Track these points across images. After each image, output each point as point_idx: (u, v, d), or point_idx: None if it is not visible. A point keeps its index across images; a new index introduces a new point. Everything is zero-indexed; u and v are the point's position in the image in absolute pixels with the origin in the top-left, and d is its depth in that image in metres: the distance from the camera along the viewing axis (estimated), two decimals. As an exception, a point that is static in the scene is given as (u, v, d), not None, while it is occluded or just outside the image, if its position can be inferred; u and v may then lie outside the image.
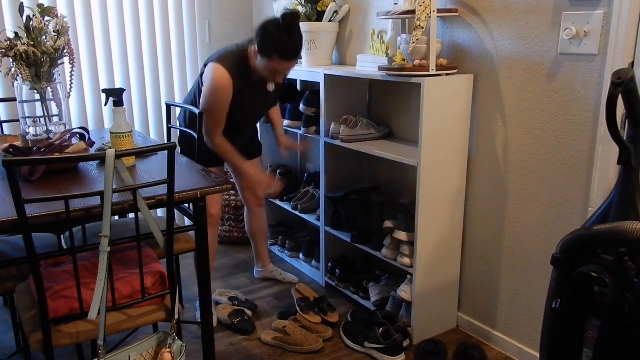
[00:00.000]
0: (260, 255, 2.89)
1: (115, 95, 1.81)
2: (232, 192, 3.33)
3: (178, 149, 2.53)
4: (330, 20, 2.77)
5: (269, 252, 3.12)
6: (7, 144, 1.79)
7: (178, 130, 2.54)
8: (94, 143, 1.97)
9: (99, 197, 1.40)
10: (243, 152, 2.50)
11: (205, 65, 2.28)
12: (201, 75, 2.32)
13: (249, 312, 2.53)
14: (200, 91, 2.30)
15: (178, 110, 3.37)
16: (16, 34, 1.86)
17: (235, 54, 2.25)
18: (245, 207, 2.82)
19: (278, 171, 3.19)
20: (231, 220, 3.41)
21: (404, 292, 2.33)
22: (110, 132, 1.82)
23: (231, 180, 2.83)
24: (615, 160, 1.65)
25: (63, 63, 1.99)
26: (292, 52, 2.16)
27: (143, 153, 1.83)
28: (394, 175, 2.69)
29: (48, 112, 1.95)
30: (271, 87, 2.40)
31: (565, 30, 1.83)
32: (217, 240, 2.63)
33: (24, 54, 1.82)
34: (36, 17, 1.86)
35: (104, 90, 1.83)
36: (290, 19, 2.11)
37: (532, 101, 2.01)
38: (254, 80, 2.30)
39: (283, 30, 2.11)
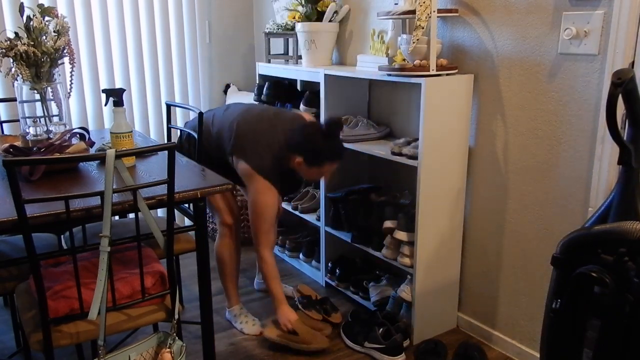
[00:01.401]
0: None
1: (115, 95, 1.81)
2: (239, 192, 3.32)
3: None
4: (330, 20, 2.77)
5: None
6: (7, 144, 1.79)
7: (180, 134, 2.53)
8: (94, 143, 1.97)
9: (99, 197, 1.40)
10: None
11: (234, 154, 2.21)
12: (228, 147, 2.26)
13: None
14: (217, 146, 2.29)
15: (178, 110, 3.37)
16: (16, 34, 1.86)
17: (274, 165, 2.21)
18: None
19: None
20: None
21: (404, 292, 2.33)
22: (110, 132, 1.82)
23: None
24: (615, 160, 1.65)
25: (63, 63, 1.99)
26: (340, 153, 2.20)
27: (143, 153, 1.83)
28: (394, 175, 2.69)
29: (48, 112, 1.95)
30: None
31: (565, 30, 1.83)
32: (239, 254, 2.49)
33: (24, 54, 1.82)
34: (36, 17, 1.85)
35: (104, 90, 1.83)
36: (335, 127, 2.14)
37: (532, 101, 2.01)
38: (293, 176, 2.30)
39: (329, 137, 2.14)
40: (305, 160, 2.16)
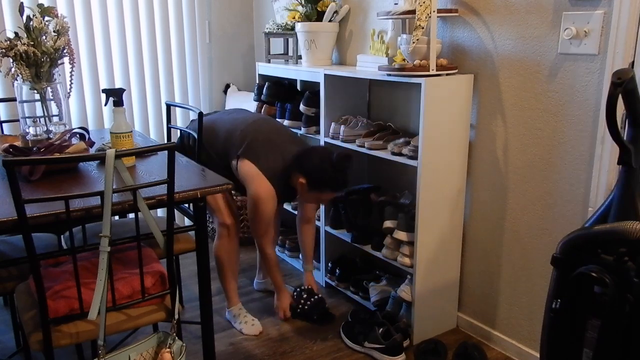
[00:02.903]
0: (263, 266, 2.83)
1: (115, 95, 1.81)
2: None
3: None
4: (330, 20, 2.77)
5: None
6: (7, 144, 1.79)
7: (180, 133, 2.53)
8: (94, 143, 1.97)
9: (99, 197, 1.40)
10: None
11: (244, 156, 2.25)
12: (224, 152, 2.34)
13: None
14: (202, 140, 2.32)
15: (178, 110, 3.37)
16: (16, 34, 1.86)
17: (282, 174, 2.27)
18: None
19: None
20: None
21: (404, 292, 2.33)
22: (110, 132, 1.82)
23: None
24: (615, 160, 1.65)
25: (63, 63, 1.99)
26: (343, 186, 2.28)
27: (143, 153, 1.83)
28: (394, 175, 2.69)
29: (48, 112, 1.95)
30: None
31: (565, 30, 1.83)
32: (238, 254, 2.53)
33: (24, 54, 1.82)
34: (36, 17, 1.85)
35: (104, 90, 1.83)
36: (345, 162, 2.20)
37: (532, 101, 2.01)
38: (293, 189, 2.34)
39: (336, 168, 2.20)
40: (308, 183, 2.24)
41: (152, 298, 1.62)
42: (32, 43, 1.84)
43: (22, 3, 1.98)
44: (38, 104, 1.94)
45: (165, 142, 2.32)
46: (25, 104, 1.94)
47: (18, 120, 2.12)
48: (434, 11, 2.03)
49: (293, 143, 2.35)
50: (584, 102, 1.85)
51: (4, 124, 2.59)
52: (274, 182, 2.25)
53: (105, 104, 1.82)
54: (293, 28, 2.92)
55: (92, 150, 1.95)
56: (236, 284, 2.53)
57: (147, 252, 1.73)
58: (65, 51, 1.93)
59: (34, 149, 1.78)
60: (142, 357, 1.54)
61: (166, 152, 1.49)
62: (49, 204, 1.43)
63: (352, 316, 2.48)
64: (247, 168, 2.25)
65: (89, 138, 1.95)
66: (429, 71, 2.07)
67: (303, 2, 2.79)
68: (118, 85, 3.13)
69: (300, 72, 2.77)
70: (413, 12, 2.03)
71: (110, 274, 1.48)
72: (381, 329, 2.23)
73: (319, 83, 2.62)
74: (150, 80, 3.23)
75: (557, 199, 1.99)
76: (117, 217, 2.30)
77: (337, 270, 2.75)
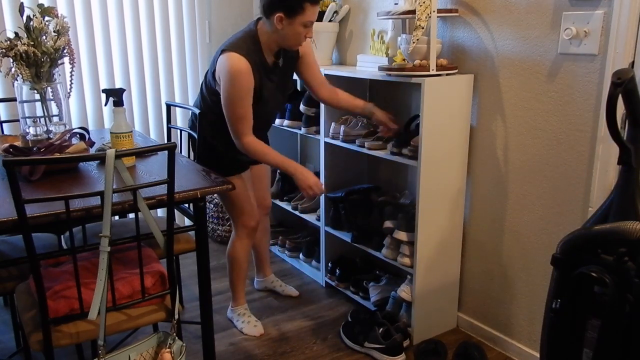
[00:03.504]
0: (261, 265, 2.82)
1: (115, 95, 1.81)
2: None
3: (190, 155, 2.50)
4: (330, 20, 2.77)
5: (270, 260, 3.08)
6: (7, 144, 1.79)
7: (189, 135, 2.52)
8: (94, 143, 1.97)
9: (99, 197, 1.40)
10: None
11: (214, 62, 2.13)
12: (210, 76, 2.19)
13: None
14: (207, 91, 2.20)
15: (178, 110, 3.37)
16: (16, 34, 1.86)
17: (244, 39, 2.09)
18: None
19: (278, 171, 3.19)
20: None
21: (404, 292, 2.33)
22: (110, 132, 1.83)
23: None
24: (615, 160, 1.65)
25: (63, 63, 1.99)
26: None
27: (143, 153, 1.83)
28: (394, 175, 2.69)
29: (48, 112, 1.95)
30: (281, 62, 2.21)
31: (565, 30, 1.83)
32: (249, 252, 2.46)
33: (24, 54, 1.82)
34: (36, 17, 1.86)
35: (104, 90, 1.83)
36: None
37: (532, 101, 2.01)
38: (270, 66, 2.16)
39: None
40: (285, 11, 1.99)
41: (152, 298, 1.62)
42: (32, 43, 1.84)
43: (22, 3, 1.98)
44: (38, 104, 1.94)
45: (165, 142, 2.32)
46: (25, 104, 1.94)
47: (18, 120, 2.12)
48: (434, 11, 2.03)
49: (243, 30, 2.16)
50: (584, 102, 1.85)
51: (4, 124, 2.59)
52: (240, 51, 2.02)
53: (105, 104, 1.82)
54: (293, 28, 2.91)
55: (92, 150, 1.95)
56: (245, 285, 2.52)
57: (147, 252, 1.74)
58: (65, 51, 1.93)
59: (34, 149, 1.78)
60: (142, 357, 1.55)
61: (166, 152, 1.49)
62: (49, 204, 1.43)
63: (352, 316, 2.48)
64: (219, 64, 2.05)
65: (89, 138, 1.96)
66: (429, 71, 2.07)
67: (303, 2, 2.78)
68: (118, 85, 3.13)
69: (300, 72, 2.76)
70: (413, 12, 2.03)
71: (110, 274, 1.48)
72: (381, 329, 2.23)
73: (319, 83, 2.61)
74: (150, 80, 3.23)
75: (557, 198, 1.99)
76: (117, 217, 2.30)
77: (337, 270, 2.75)
